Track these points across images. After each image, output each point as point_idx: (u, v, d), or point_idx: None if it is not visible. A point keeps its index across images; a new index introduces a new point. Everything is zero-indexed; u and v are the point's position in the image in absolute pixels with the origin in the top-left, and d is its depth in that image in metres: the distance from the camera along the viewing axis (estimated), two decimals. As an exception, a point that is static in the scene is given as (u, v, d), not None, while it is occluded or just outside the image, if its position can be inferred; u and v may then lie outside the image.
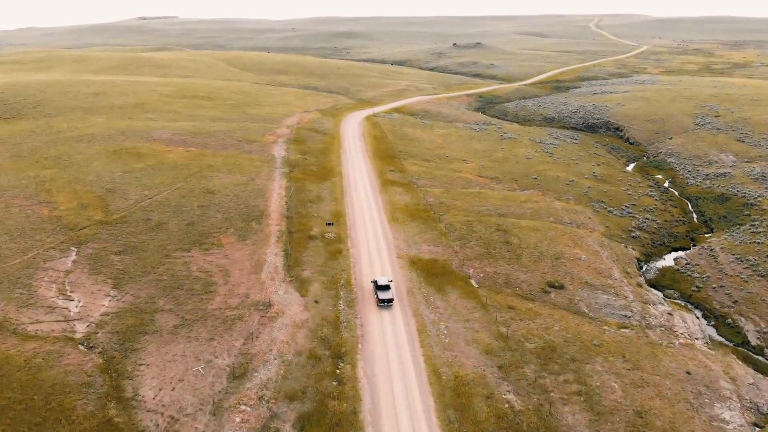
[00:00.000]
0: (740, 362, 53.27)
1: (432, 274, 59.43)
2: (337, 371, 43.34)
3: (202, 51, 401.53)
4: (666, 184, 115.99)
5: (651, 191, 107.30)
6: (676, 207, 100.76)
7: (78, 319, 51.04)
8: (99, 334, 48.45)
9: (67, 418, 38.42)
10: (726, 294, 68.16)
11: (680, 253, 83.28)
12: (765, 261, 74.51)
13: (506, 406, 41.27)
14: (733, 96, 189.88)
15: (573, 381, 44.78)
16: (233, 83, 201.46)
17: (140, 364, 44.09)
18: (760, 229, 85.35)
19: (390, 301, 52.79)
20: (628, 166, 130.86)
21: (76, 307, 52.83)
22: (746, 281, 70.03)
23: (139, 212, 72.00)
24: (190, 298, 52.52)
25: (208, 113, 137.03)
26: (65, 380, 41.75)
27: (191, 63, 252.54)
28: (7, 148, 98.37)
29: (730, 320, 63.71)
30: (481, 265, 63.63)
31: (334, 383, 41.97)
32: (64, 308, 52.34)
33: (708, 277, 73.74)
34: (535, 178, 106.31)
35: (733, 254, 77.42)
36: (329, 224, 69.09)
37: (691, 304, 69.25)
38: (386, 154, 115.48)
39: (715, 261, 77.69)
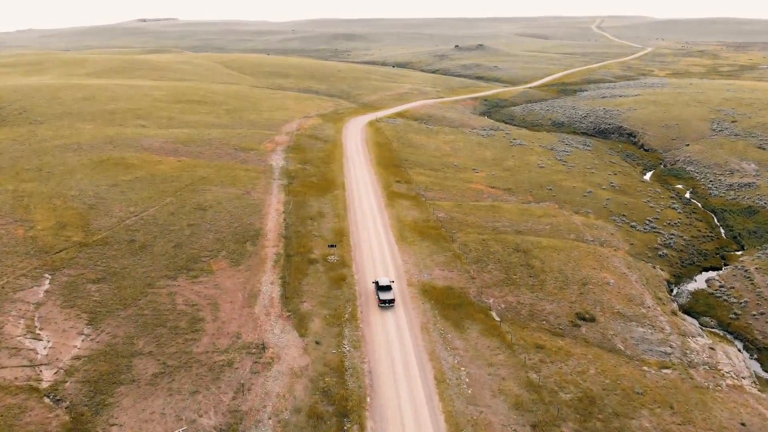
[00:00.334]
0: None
1: (448, 305, 52.84)
2: (343, 433, 36.81)
3: (200, 53, 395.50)
4: (687, 195, 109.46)
5: (673, 203, 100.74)
6: (701, 221, 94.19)
7: (46, 364, 44.50)
8: (68, 384, 41.91)
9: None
10: (769, 323, 61.63)
11: (712, 274, 76.86)
12: (811, 285, 67.98)
13: (544, 477, 34.75)
14: (747, 100, 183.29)
15: (619, 443, 38.23)
16: (231, 87, 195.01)
17: (112, 424, 37.53)
18: (799, 248, 78.84)
19: (392, 301, 51.96)
20: (645, 174, 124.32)
21: (45, 348, 46.29)
22: (791, 309, 63.50)
23: (123, 232, 65.42)
24: (174, 338, 45.92)
25: (204, 119, 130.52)
26: (20, 448, 35.20)
27: (188, 66, 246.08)
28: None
29: (777, 355, 57.17)
30: (502, 293, 57.03)
31: (340, 449, 35.45)
32: (31, 350, 45.82)
33: (746, 302, 67.22)
34: (550, 189, 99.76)
35: (773, 277, 70.87)
36: (332, 246, 62.50)
37: (730, 333, 62.81)
38: (391, 163, 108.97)
39: (752, 283, 71.18)
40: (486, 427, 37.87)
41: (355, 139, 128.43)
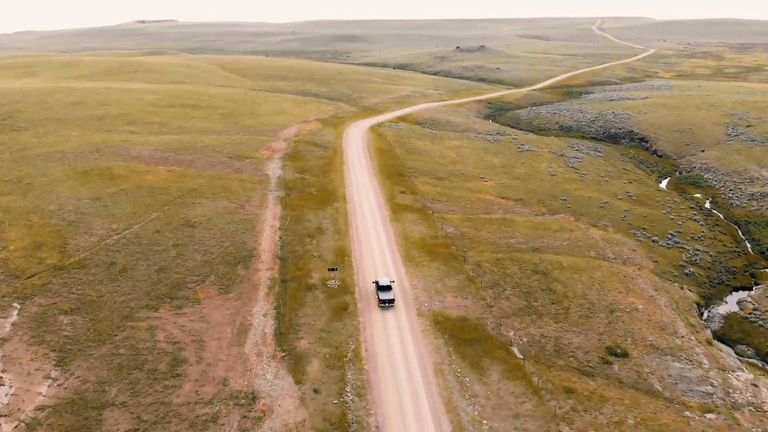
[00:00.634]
0: None
1: (463, 340, 46.88)
2: None
3: (197, 55, 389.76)
4: (707, 205, 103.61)
5: (694, 214, 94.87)
6: (725, 234, 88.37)
7: (6, 415, 38.64)
8: (26, 442, 35.99)
9: None
10: (819, 356, 55.66)
11: (743, 294, 71.11)
12: None
13: None
14: (760, 103, 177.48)
15: None
16: (227, 90, 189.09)
17: (72, 498, 31.60)
18: (838, 266, 72.96)
19: (391, 301, 52.12)
20: (660, 182, 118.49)
21: (6, 396, 40.42)
22: (842, 339, 57.59)
23: (103, 253, 59.47)
24: (152, 384, 39.96)
25: (197, 124, 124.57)
26: None
27: (184, 68, 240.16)
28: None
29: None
30: (523, 324, 51.10)
31: None
32: (-11, 397, 39.92)
33: (785, 327, 61.35)
34: (565, 200, 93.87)
35: (815, 300, 64.98)
36: (332, 270, 56.49)
37: (770, 364, 57.04)
38: (394, 171, 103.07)
39: (788, 306, 65.30)
40: (516, 500, 31.93)
41: (356, 145, 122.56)
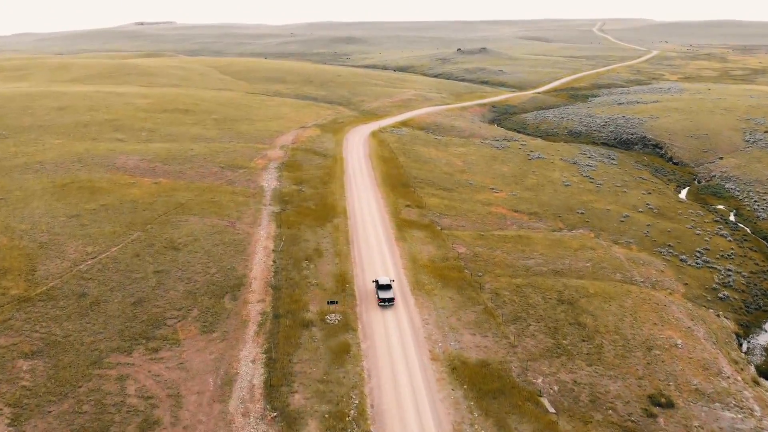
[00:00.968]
0: None
1: (486, 391, 40.21)
2: None
3: (194, 57, 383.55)
4: (732, 218, 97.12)
5: (720, 229, 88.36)
6: (756, 251, 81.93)
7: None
8: None
9: None
10: None
11: (782, 321, 64.62)
12: None
13: None
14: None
15: None
16: (223, 93, 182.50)
17: None
18: None
19: (391, 300, 51.54)
20: (680, 192, 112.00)
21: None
22: None
23: (74, 282, 52.82)
24: (116, 455, 33.31)
25: (189, 131, 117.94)
26: None
27: (180, 71, 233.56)
28: (-70, 181, 79.34)
29: None
30: (552, 368, 44.45)
31: None
32: None
33: (835, 362, 54.79)
34: (582, 213, 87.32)
35: None
36: (332, 303, 49.84)
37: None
38: (398, 182, 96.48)
39: (835, 336, 58.80)
40: None
41: (357, 152, 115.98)
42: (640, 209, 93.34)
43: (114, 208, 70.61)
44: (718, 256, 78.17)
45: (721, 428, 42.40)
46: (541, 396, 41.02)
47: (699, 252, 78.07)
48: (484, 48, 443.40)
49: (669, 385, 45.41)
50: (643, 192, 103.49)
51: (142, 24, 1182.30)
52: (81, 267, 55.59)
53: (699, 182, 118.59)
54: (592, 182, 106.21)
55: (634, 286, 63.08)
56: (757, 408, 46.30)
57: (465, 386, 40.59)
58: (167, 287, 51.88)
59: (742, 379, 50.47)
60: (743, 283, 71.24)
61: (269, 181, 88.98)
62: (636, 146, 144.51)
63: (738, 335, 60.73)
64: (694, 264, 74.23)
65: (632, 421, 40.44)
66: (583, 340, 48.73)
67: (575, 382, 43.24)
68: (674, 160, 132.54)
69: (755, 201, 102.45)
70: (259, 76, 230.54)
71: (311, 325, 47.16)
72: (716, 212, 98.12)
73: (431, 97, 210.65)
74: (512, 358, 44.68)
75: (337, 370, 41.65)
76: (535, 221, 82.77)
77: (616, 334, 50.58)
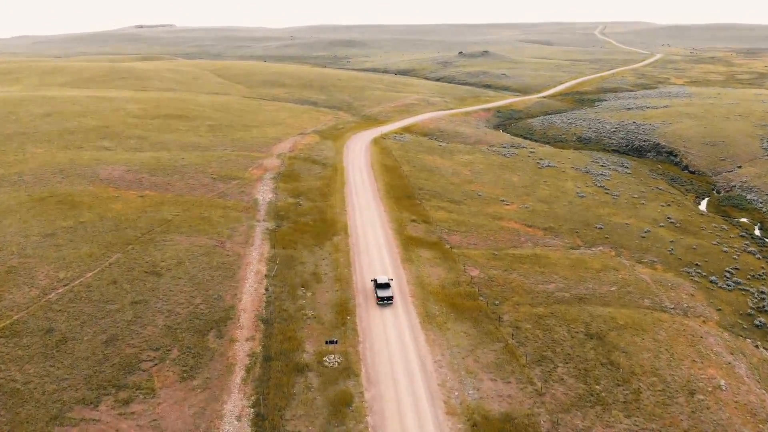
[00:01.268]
0: None
1: (512, 454, 34.10)
2: None
3: (192, 60, 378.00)
4: (756, 232, 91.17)
5: (747, 245, 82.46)
6: (788, 269, 75.79)
7: None
8: None
9: None
10: None
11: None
12: None
13: None
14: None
15: None
16: (219, 97, 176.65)
17: None
18: None
19: (390, 299, 51.50)
20: (699, 203, 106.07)
21: None
22: None
23: (41, 314, 46.73)
24: None
25: (181, 138, 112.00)
26: None
27: (176, 74, 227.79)
28: None
29: None
30: (587, 421, 38.35)
31: None
32: None
33: None
34: (600, 228, 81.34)
35: None
36: (331, 342, 43.70)
37: None
38: (403, 193, 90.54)
39: None
40: None
41: (358, 161, 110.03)
42: (661, 223, 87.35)
43: (93, 225, 64.55)
44: (749, 276, 72.18)
45: (784, 494, 36.34)
46: (576, 459, 34.91)
47: (729, 272, 72.07)
48: (485, 51, 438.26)
49: (720, 439, 39.33)
50: (662, 204, 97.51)
51: (141, 27, 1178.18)
52: (50, 296, 49.51)
53: (718, 192, 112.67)
54: (607, 193, 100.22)
55: (665, 313, 56.96)
56: (818, 463, 40.28)
57: (488, 449, 34.49)
58: (144, 321, 45.79)
59: (796, 426, 44.41)
60: (780, 308, 65.18)
61: (264, 193, 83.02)
62: (649, 153, 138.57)
63: (781, 369, 54.69)
64: (725, 286, 68.23)
65: (685, 490, 34.34)
66: (619, 385, 42.63)
67: (614, 439, 37.14)
68: (690, 169, 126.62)
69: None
70: (258, 80, 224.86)
71: (307, 369, 41.03)
72: (740, 226, 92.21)
73: (434, 102, 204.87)
74: (540, 410, 38.59)
75: (337, 429, 35.53)
76: (551, 237, 76.72)
77: (654, 376, 44.48)
